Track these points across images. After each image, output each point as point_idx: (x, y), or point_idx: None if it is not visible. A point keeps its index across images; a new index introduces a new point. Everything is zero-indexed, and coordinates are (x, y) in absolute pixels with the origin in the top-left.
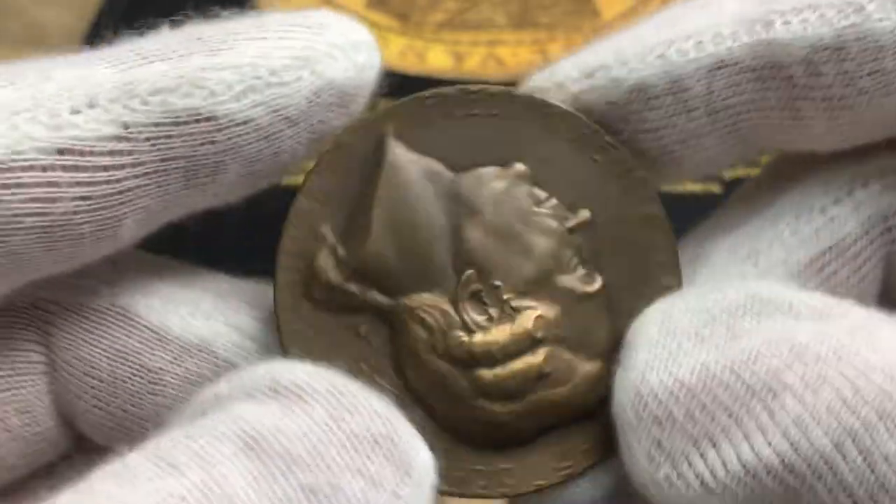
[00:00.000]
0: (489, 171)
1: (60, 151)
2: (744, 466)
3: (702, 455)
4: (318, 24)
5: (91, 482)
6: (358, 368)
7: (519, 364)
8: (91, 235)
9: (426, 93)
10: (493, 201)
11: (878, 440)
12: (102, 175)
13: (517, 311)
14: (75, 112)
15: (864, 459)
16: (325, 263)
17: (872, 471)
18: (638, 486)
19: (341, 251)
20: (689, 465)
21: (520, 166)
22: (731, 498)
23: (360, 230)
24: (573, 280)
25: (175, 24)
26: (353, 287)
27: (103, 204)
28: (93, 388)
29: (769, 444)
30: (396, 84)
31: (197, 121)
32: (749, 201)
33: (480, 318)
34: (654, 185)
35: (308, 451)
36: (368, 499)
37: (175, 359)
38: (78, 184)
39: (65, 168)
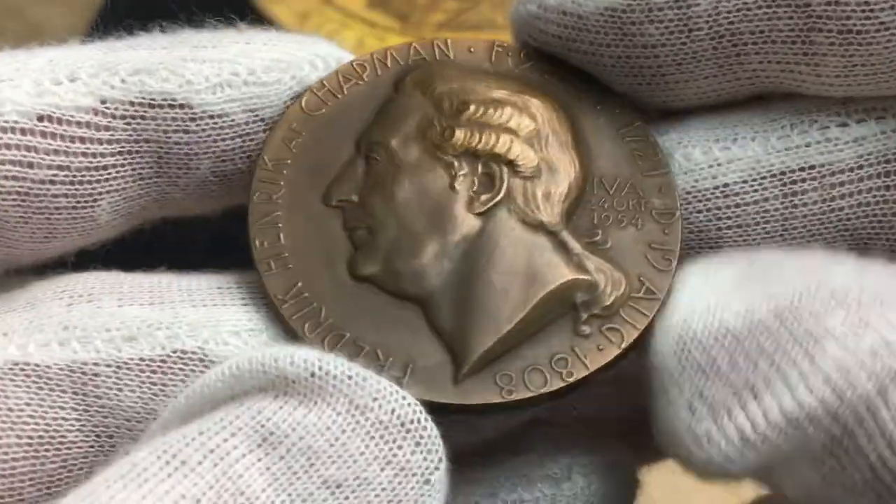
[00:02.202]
0: None
1: (40, 118)
2: (785, 416)
3: (742, 407)
4: (303, 38)
5: (95, 485)
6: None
7: None
8: (67, 210)
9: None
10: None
11: None
12: (79, 146)
13: None
14: (57, 83)
15: None
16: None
17: None
18: (669, 443)
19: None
20: (730, 417)
21: None
22: (768, 450)
23: None
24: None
25: (169, 27)
26: None
27: (79, 178)
28: None
29: (811, 390)
30: None
31: (171, 106)
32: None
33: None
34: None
35: (331, 443)
36: (397, 488)
37: None
38: (55, 151)
39: (43, 134)
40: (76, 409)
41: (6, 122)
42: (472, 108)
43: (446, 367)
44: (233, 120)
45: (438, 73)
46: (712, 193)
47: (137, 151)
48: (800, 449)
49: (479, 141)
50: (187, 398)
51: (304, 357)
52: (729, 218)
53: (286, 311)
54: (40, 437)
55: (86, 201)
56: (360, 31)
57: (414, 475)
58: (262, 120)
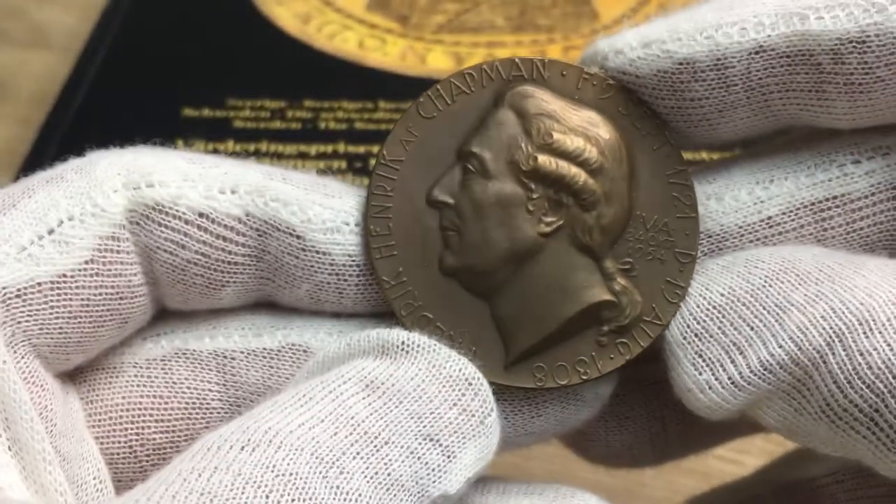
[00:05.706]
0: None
1: (200, 214)
2: (762, 365)
3: (732, 360)
4: None
5: (247, 416)
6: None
7: None
8: (200, 288)
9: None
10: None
11: (856, 340)
12: (220, 243)
13: None
14: (222, 192)
15: (846, 353)
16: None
17: (850, 362)
18: (682, 392)
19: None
20: (724, 369)
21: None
22: (754, 391)
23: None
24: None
25: None
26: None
27: (214, 266)
28: None
29: (780, 345)
30: (398, 86)
31: (290, 234)
32: (777, 144)
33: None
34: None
35: (414, 388)
36: (461, 423)
37: None
38: (203, 242)
39: (199, 227)
40: (218, 384)
41: (178, 211)
42: (556, 137)
43: (500, 354)
44: (333, 259)
45: (532, 95)
46: (759, 226)
47: (262, 259)
48: (775, 388)
49: (556, 170)
50: (315, 363)
51: (397, 333)
52: (773, 244)
53: (390, 293)
54: (193, 403)
55: (215, 285)
56: (360, 33)
57: (473, 416)
58: (358, 265)
